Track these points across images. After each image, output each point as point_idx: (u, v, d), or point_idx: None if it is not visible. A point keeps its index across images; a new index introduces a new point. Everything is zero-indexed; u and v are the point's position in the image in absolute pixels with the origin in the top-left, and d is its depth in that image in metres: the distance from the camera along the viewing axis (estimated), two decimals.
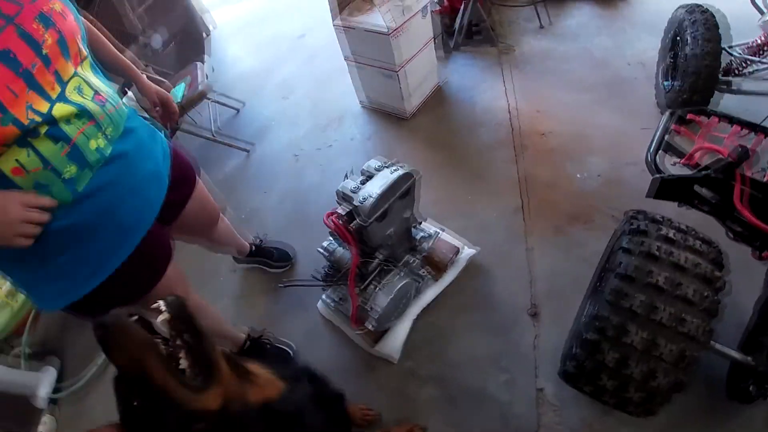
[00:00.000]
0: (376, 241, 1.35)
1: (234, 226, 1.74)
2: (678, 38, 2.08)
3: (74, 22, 0.87)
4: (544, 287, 1.68)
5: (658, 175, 1.16)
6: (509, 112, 2.42)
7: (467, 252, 1.76)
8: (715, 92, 1.95)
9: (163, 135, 1.13)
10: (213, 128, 2.65)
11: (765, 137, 1.37)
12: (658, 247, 0.96)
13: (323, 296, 1.71)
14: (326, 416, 0.68)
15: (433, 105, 2.59)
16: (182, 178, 1.18)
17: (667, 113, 1.32)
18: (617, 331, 0.95)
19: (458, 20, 2.79)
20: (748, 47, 2.04)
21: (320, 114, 2.80)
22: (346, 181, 1.36)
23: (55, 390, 1.89)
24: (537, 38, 2.93)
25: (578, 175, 2.05)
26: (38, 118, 0.75)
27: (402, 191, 1.33)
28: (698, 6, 2.05)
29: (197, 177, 1.27)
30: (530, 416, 1.40)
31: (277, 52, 3.50)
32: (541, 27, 2.99)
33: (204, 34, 3.62)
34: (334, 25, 2.26)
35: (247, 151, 2.69)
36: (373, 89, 2.53)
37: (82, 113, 0.83)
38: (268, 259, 1.93)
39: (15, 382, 1.86)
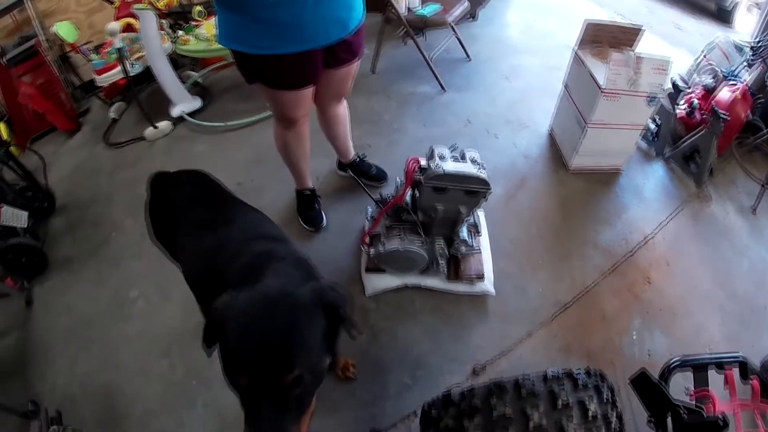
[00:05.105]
0: (422, 203, 1.54)
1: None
2: None
3: None
4: (501, 366, 1.72)
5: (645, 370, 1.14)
6: (645, 240, 2.22)
7: (486, 286, 1.84)
8: None
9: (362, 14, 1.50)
10: (433, 53, 2.98)
11: None
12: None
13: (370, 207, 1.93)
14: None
15: (598, 180, 2.48)
16: (354, 47, 1.56)
17: None
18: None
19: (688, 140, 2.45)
20: None
21: (516, 110, 2.89)
22: (446, 149, 1.54)
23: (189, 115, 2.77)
24: (738, 215, 2.42)
25: (634, 336, 1.86)
26: None
27: (468, 188, 1.47)
28: None
29: (359, 57, 1.63)
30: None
31: (540, 43, 3.54)
32: (754, 212, 2.44)
33: None
34: (573, 50, 2.30)
35: (444, 90, 2.97)
36: (561, 125, 2.53)
37: None
38: (366, 174, 2.27)
39: (175, 86, 2.66)
